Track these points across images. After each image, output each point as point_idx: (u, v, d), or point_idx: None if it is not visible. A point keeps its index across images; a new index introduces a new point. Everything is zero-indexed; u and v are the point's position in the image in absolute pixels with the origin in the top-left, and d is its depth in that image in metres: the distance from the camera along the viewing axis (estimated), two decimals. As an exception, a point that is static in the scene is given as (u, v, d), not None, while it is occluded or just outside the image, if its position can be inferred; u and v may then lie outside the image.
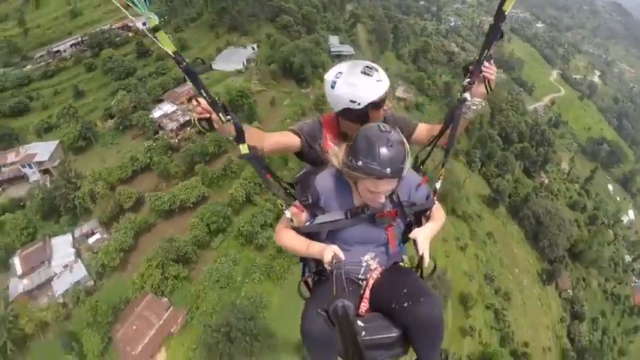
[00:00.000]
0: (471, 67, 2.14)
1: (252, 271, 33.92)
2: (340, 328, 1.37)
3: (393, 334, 2.05)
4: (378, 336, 2.06)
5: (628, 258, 72.77)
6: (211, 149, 39.35)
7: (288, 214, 2.20)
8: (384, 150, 1.83)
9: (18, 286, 32.54)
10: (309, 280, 2.37)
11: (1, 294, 32.37)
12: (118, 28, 55.87)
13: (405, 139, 1.94)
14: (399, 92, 66.79)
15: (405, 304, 1.96)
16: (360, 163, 1.87)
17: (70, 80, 49.17)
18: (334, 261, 1.93)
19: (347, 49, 68.97)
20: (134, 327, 29.46)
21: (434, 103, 70.27)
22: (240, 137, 1.99)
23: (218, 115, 1.86)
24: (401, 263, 2.44)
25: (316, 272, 2.34)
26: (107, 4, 54.89)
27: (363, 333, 2.12)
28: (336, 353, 2.03)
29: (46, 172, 40.08)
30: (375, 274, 2.21)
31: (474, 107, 2.25)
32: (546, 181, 73.81)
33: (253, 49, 57.73)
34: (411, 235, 2.16)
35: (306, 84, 54.10)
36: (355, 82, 2.14)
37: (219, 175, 38.57)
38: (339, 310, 1.48)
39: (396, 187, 2.08)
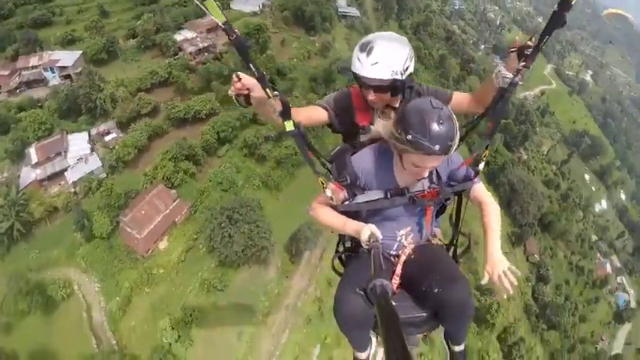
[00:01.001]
0: (527, 52, 2.18)
1: (252, 178, 39.54)
2: (379, 307, 1.41)
3: (423, 314, 2.28)
4: (409, 315, 2.29)
5: (594, 237, 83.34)
6: (227, 72, 44.87)
7: (328, 192, 2.36)
8: (434, 126, 1.94)
9: (30, 174, 36.65)
10: (343, 257, 2.64)
11: (12, 181, 36.29)
12: None
13: (454, 116, 2.05)
14: None
15: (436, 290, 2.12)
16: (410, 137, 1.97)
17: (94, 1, 53.06)
18: (372, 240, 2.11)
19: (353, 11, 75.40)
20: (143, 212, 34.19)
21: (427, 72, 76.53)
22: (286, 113, 2.12)
23: (265, 90, 1.99)
24: (433, 240, 2.68)
25: (350, 248, 2.62)
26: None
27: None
28: (370, 329, 2.29)
29: (66, 77, 43.83)
30: (408, 251, 2.41)
31: (507, 79, 2.31)
32: (524, 157, 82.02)
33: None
34: (487, 264, 2.15)
35: (314, 32, 59.90)
36: (356, 46, 2.37)
37: None
38: (378, 289, 1.54)
39: (439, 167, 2.30)
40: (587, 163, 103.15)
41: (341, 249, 2.73)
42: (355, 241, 2.55)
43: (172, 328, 30.24)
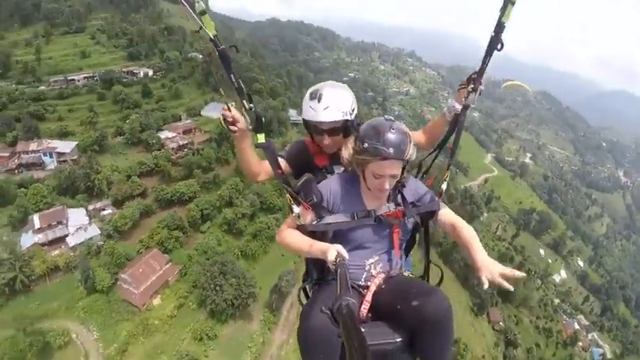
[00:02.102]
0: (474, 76, 2.82)
1: (232, 249, 50.94)
2: (345, 327, 1.49)
3: (396, 339, 2.31)
4: (380, 341, 2.32)
5: (557, 301, 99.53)
6: (204, 163, 59.75)
7: (296, 209, 2.61)
8: (388, 133, 2.31)
9: (32, 239, 45.39)
10: (308, 288, 2.86)
11: (14, 243, 43.79)
12: (125, 72, 75.80)
13: (407, 129, 2.41)
14: None
15: (413, 303, 2.21)
16: (365, 144, 2.34)
17: (82, 104, 66.31)
18: (338, 259, 2.22)
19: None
20: (140, 270, 43.59)
21: None
22: (258, 125, 2.54)
23: (242, 102, 2.43)
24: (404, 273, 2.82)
25: (317, 280, 2.79)
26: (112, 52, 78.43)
27: (367, 339, 2.02)
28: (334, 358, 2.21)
29: (63, 162, 54.77)
30: (379, 279, 2.54)
31: (459, 109, 2.94)
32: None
33: (233, 105, 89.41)
34: (482, 270, 2.27)
35: (272, 134, 76.93)
36: (305, 96, 2.87)
37: (211, 181, 58.43)
38: (344, 308, 1.61)
39: (401, 187, 2.65)
40: (539, 239, 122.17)
41: (308, 280, 2.89)
42: (323, 271, 2.76)
43: None
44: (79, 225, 48.41)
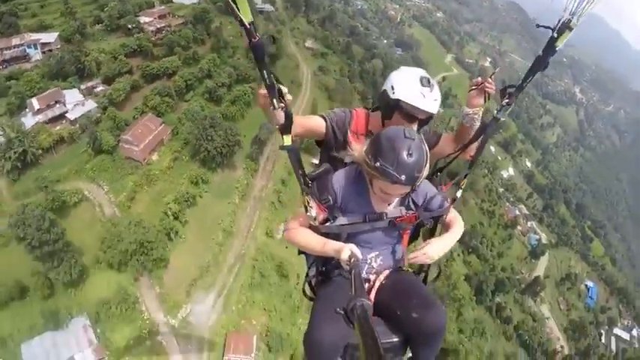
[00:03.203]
0: (510, 90, 3.00)
1: (215, 113, 62.10)
2: (360, 327, 1.59)
3: (395, 339, 2.74)
4: (382, 340, 2.41)
5: (502, 190, 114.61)
6: (183, 42, 70.27)
7: (313, 212, 2.84)
8: (403, 156, 2.37)
9: (33, 119, 54.59)
10: (313, 281, 3.17)
11: (17, 125, 52.84)
12: None
13: (427, 149, 2.50)
14: (308, 44, 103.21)
15: (414, 315, 2.57)
16: (377, 164, 2.42)
17: None
18: (353, 260, 2.42)
19: (268, 7, 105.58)
20: (139, 130, 55.70)
21: (335, 56, 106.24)
22: (287, 127, 2.59)
23: (271, 100, 2.45)
24: (403, 266, 3.16)
25: (322, 273, 3.06)
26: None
27: None
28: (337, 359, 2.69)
29: (48, 51, 63.01)
30: (384, 277, 2.85)
31: (476, 116, 3.24)
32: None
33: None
34: (425, 243, 2.75)
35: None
36: (408, 76, 2.98)
37: (190, 57, 69.33)
38: (358, 309, 1.75)
39: (411, 193, 2.76)
40: (492, 137, 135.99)
41: (311, 273, 3.20)
42: (328, 266, 3.05)
43: (175, 202, 51.65)
44: (76, 102, 58.11)
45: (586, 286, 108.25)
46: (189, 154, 58.02)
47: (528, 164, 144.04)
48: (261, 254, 53.70)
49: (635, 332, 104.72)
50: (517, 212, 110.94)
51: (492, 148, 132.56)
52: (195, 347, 43.30)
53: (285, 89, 2.47)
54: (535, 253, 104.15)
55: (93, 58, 61.88)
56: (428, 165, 2.50)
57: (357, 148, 2.76)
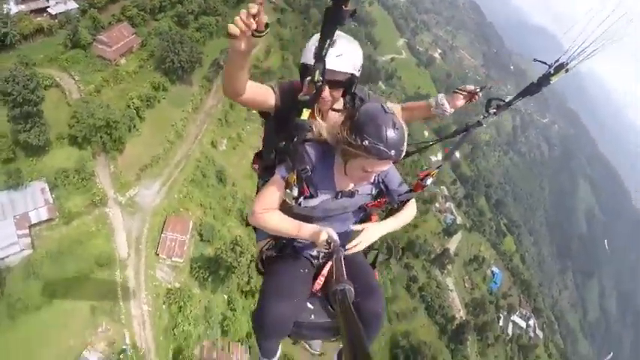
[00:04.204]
0: (497, 103, 3.39)
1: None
2: (341, 312, 1.75)
3: (327, 320, 3.08)
4: (324, 320, 3.02)
5: (425, 167, 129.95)
6: None
7: (295, 191, 2.95)
8: (390, 132, 2.52)
9: (16, 8, 61.68)
10: (266, 256, 3.38)
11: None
12: None
13: (403, 121, 2.70)
14: None
15: (355, 299, 2.52)
16: (366, 142, 2.53)
17: None
18: (333, 244, 2.61)
19: None
20: (114, 34, 65.28)
21: (293, 13, 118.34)
22: (313, 101, 2.60)
23: (314, 72, 2.44)
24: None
25: (280, 248, 3.26)
26: None
27: (312, 316, 3.16)
28: (284, 336, 3.03)
29: None
30: (341, 256, 2.82)
31: (448, 114, 3.59)
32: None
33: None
34: (363, 225, 3.03)
35: None
36: (313, 40, 3.00)
37: None
38: (340, 294, 1.94)
39: (384, 174, 3.08)
40: (426, 123, 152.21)
41: (265, 248, 3.39)
42: (283, 242, 3.28)
43: (140, 100, 62.30)
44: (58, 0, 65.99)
45: (492, 271, 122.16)
46: (154, 65, 67.93)
47: (457, 154, 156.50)
48: (204, 158, 64.92)
49: (531, 322, 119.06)
50: (437, 190, 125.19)
51: (426, 133, 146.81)
52: (138, 222, 53.79)
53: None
54: (449, 231, 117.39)
55: None
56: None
57: (325, 127, 3.02)
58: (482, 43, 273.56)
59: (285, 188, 3.01)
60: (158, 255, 52.59)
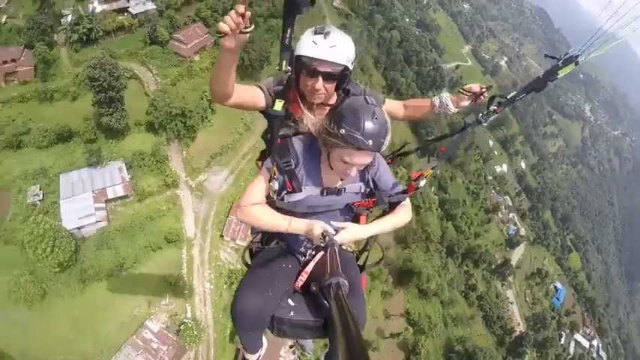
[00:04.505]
0: (500, 100, 3.30)
1: None
2: (335, 305, 1.73)
3: (320, 320, 3.04)
4: (305, 318, 2.99)
5: (490, 177, 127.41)
6: None
7: (276, 185, 2.97)
8: (369, 122, 2.57)
9: (100, 7, 69.10)
10: (254, 248, 3.38)
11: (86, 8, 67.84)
12: None
13: (387, 117, 2.74)
14: (336, 3, 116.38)
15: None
16: (342, 131, 2.58)
17: None
18: (327, 238, 2.57)
19: None
20: (189, 33, 70.74)
21: (357, 19, 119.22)
22: (284, 92, 2.79)
23: (282, 61, 2.53)
24: (345, 247, 3.45)
25: (264, 241, 3.30)
26: None
27: (292, 313, 3.12)
28: (263, 331, 2.97)
29: None
30: (336, 249, 2.68)
31: (451, 113, 3.58)
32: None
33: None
34: (345, 224, 2.98)
35: None
36: (306, 31, 3.03)
37: None
38: (334, 287, 1.95)
39: (371, 169, 3.08)
40: (492, 132, 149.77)
41: (255, 240, 3.44)
42: (269, 235, 3.33)
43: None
44: (137, 1, 72.65)
45: (555, 287, 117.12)
46: None
47: (523, 165, 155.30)
48: (270, 152, 68.94)
49: (595, 342, 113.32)
50: (501, 199, 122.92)
51: (491, 142, 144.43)
52: (205, 205, 57.79)
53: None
54: (511, 243, 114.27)
55: None
56: (390, 132, 2.79)
57: (312, 120, 3.09)
58: (550, 50, 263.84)
59: (269, 181, 3.06)
60: (223, 237, 56.03)
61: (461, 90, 3.65)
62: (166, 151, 58.75)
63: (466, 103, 3.64)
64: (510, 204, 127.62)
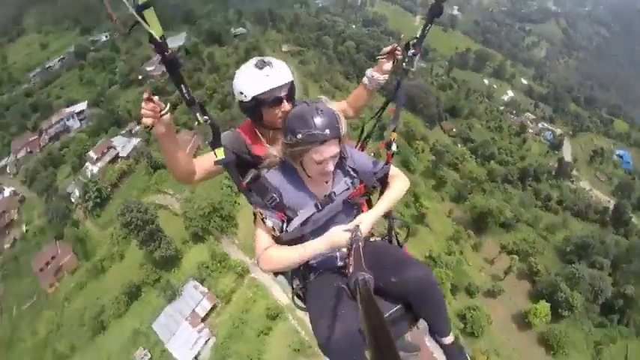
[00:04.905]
0: (413, 42, 3.27)
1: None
2: (362, 301, 1.69)
3: (397, 307, 2.94)
4: (387, 313, 2.86)
5: (502, 108, 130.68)
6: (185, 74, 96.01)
7: (269, 222, 2.88)
8: (317, 118, 2.66)
9: (95, 168, 74.75)
10: (300, 292, 3.25)
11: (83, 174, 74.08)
12: (90, 41, 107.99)
13: (330, 105, 2.82)
14: (284, 48, 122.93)
15: (392, 279, 2.77)
16: (299, 135, 2.65)
17: (70, 78, 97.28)
18: (353, 234, 2.54)
19: (240, 29, 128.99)
20: (180, 142, 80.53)
21: (309, 50, 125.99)
22: (216, 139, 2.65)
23: (195, 116, 2.49)
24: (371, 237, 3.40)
25: (303, 279, 3.20)
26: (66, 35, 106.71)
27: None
28: (362, 351, 2.62)
29: (83, 119, 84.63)
30: (360, 246, 2.46)
31: (382, 81, 3.54)
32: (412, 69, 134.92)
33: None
34: (357, 220, 2.85)
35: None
36: (245, 73, 3.05)
37: (197, 81, 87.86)
38: (360, 282, 1.89)
39: (344, 157, 3.06)
40: (481, 72, 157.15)
41: (296, 285, 3.29)
42: (304, 271, 3.21)
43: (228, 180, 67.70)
44: (123, 143, 78.56)
45: (618, 155, 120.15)
46: None
47: (524, 81, 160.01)
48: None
49: None
50: (523, 118, 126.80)
51: (486, 81, 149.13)
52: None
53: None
54: (555, 145, 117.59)
55: (123, 108, 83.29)
56: (341, 118, 2.83)
57: (275, 147, 3.14)
58: None
59: (263, 223, 2.96)
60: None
61: (377, 56, 3.66)
62: (222, 249, 61.31)
63: (389, 65, 3.59)
64: (533, 117, 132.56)
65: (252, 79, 3.01)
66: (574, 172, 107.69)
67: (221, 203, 63.31)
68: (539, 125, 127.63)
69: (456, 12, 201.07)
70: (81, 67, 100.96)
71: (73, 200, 73.02)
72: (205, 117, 2.52)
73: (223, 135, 3.12)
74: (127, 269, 61.86)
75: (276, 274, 3.44)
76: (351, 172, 3.15)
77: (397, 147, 3.39)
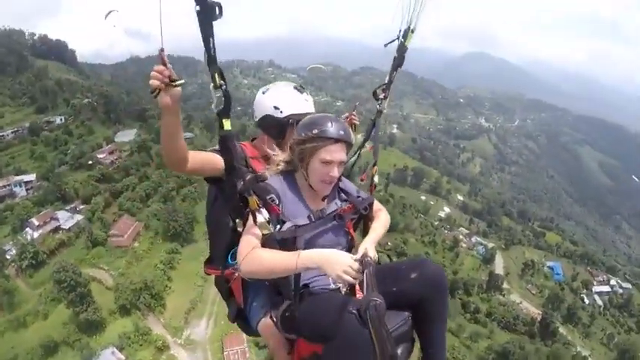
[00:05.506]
0: (382, 87, 3.90)
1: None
2: (373, 328, 1.73)
3: (405, 314, 2.88)
4: (394, 324, 2.80)
5: (436, 222, 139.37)
6: (134, 166, 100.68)
7: (261, 217, 2.71)
8: (332, 121, 2.79)
9: (36, 233, 78.46)
10: (276, 318, 2.87)
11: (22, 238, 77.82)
12: (45, 121, 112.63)
13: None
14: None
15: (412, 275, 2.79)
16: (315, 130, 2.73)
17: (21, 151, 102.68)
18: (365, 259, 2.41)
19: (189, 134, 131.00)
20: (121, 226, 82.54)
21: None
22: (227, 108, 2.43)
23: (214, 75, 2.31)
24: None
25: (290, 298, 2.78)
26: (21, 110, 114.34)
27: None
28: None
29: (30, 189, 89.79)
30: (372, 270, 2.34)
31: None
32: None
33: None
34: (362, 246, 2.85)
35: None
36: (285, 92, 3.34)
37: (142, 175, 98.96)
38: (372, 309, 1.86)
39: (340, 180, 3.18)
40: (419, 189, 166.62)
41: (279, 309, 2.86)
42: (284, 292, 2.87)
43: (163, 264, 76.31)
44: (67, 217, 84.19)
45: (549, 267, 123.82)
46: (162, 237, 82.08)
47: (460, 198, 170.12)
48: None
49: (613, 281, 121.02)
50: (456, 232, 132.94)
51: (423, 197, 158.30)
52: (201, 352, 64.30)
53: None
54: (487, 259, 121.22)
55: (71, 187, 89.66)
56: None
57: (279, 152, 3.13)
58: (427, 97, 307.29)
59: (256, 212, 2.74)
60: (229, 370, 61.73)
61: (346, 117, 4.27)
62: (147, 324, 65.67)
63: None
64: (467, 232, 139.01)
65: (293, 99, 3.42)
66: (505, 285, 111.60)
67: (153, 282, 69.16)
68: (473, 239, 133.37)
69: (395, 130, 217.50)
70: (34, 143, 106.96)
71: (8, 257, 76.16)
72: (222, 82, 2.34)
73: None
74: (50, 328, 64.37)
75: (242, 291, 3.47)
76: (343, 195, 3.23)
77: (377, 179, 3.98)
